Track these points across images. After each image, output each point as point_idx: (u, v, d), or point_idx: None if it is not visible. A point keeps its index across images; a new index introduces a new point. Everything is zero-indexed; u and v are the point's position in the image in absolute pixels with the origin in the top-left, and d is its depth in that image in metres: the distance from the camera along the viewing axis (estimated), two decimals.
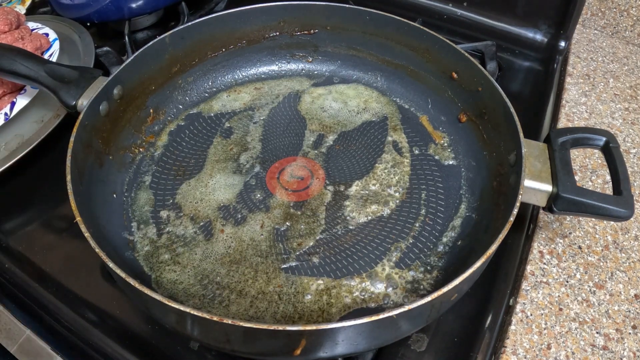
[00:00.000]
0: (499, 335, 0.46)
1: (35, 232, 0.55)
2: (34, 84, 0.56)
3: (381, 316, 0.33)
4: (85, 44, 0.71)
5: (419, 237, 0.50)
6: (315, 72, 0.68)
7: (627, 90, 0.71)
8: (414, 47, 0.61)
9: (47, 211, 0.57)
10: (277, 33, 0.66)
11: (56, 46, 0.68)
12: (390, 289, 0.46)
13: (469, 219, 0.51)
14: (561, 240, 0.53)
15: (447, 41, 0.57)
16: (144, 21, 0.82)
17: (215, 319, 0.33)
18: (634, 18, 0.78)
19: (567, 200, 0.43)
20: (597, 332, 0.46)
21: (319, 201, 0.54)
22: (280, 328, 0.33)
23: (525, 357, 0.44)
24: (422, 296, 0.35)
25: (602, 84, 0.72)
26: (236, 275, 0.47)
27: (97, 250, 0.38)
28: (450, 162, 0.57)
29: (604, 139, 0.47)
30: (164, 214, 0.52)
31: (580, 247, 0.53)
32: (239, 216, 0.52)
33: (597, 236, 0.54)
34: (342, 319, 0.44)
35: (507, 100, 0.49)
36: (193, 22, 0.61)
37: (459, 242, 0.50)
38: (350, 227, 0.51)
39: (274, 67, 0.69)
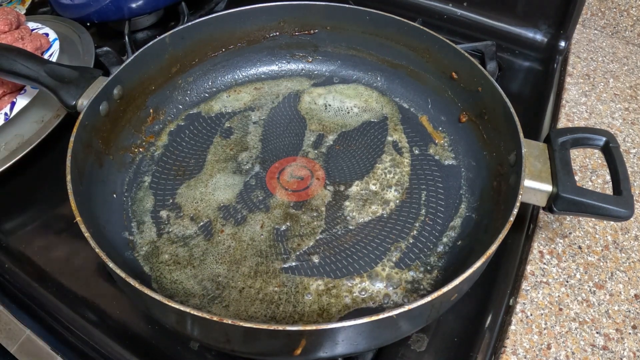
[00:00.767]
0: (499, 335, 0.46)
1: (35, 232, 0.55)
2: (34, 84, 0.56)
3: (381, 316, 0.33)
4: (85, 44, 0.71)
5: (419, 237, 0.50)
6: (315, 72, 0.68)
7: (627, 90, 0.71)
8: (414, 47, 0.61)
9: (47, 211, 0.57)
10: (277, 33, 0.66)
11: (56, 46, 0.68)
12: (390, 289, 0.46)
13: (469, 219, 0.51)
14: (561, 240, 0.53)
15: (447, 41, 0.57)
16: (144, 21, 0.82)
17: (215, 319, 0.33)
18: (634, 18, 0.78)
19: (567, 200, 0.43)
20: (597, 332, 0.46)
21: (319, 201, 0.54)
22: (280, 328, 0.33)
23: (525, 357, 0.44)
24: (422, 296, 0.35)
25: (602, 84, 0.72)
26: (236, 275, 0.47)
27: (97, 250, 0.38)
28: (450, 162, 0.57)
29: (604, 139, 0.47)
30: (164, 214, 0.52)
31: (580, 247, 0.53)
32: (239, 216, 0.52)
33: (597, 236, 0.54)
34: (342, 319, 0.44)
35: (507, 100, 0.49)
36: (193, 22, 0.61)
37: (459, 242, 0.50)
38: (350, 227, 0.51)
39: (274, 67, 0.69)
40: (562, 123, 0.65)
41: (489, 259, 0.39)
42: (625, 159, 0.46)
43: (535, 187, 0.44)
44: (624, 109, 0.68)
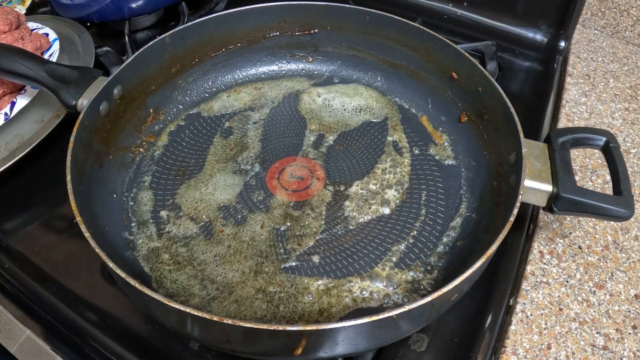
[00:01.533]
0: (499, 335, 0.46)
1: (35, 232, 0.55)
2: (34, 84, 0.56)
3: (381, 316, 0.33)
4: (85, 44, 0.71)
5: (419, 237, 0.50)
6: (315, 72, 0.68)
7: (627, 90, 0.71)
8: (414, 47, 0.61)
9: (47, 211, 0.57)
10: (277, 33, 0.66)
11: (56, 46, 0.68)
12: (390, 289, 0.46)
13: (469, 219, 0.51)
14: (561, 240, 0.53)
15: (447, 41, 0.57)
16: (144, 21, 0.82)
17: (215, 319, 0.33)
18: (634, 18, 0.78)
19: (567, 200, 0.43)
20: (597, 332, 0.46)
21: (319, 201, 0.53)
22: (280, 328, 0.33)
23: (525, 357, 0.44)
24: (422, 296, 0.35)
25: (602, 84, 0.72)
26: (236, 275, 0.47)
27: (97, 250, 0.38)
28: (450, 162, 0.57)
29: (604, 139, 0.47)
30: (164, 214, 0.52)
31: (580, 247, 0.53)
32: (239, 216, 0.52)
33: (597, 236, 0.54)
34: (342, 319, 0.44)
35: (507, 100, 0.49)
36: (193, 22, 0.61)
37: (459, 242, 0.50)
38: (350, 227, 0.51)
39: (274, 67, 0.69)
40: (562, 123, 0.65)
41: (489, 259, 0.39)
42: (625, 159, 0.46)
43: (535, 187, 0.44)
44: (624, 109, 0.68)
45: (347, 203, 0.53)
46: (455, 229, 0.51)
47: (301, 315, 0.44)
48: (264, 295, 0.46)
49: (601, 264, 0.51)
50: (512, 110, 0.48)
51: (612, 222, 0.55)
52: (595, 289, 0.49)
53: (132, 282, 0.36)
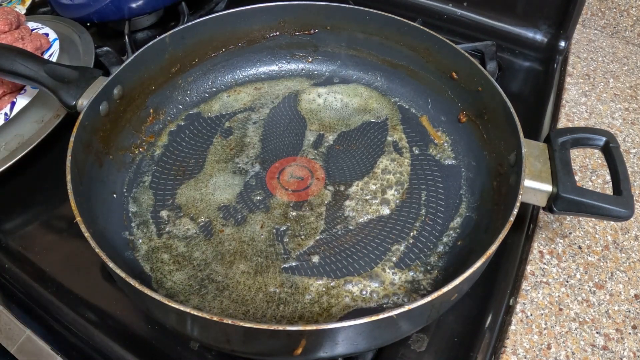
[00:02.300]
0: (499, 335, 0.46)
1: (35, 232, 0.55)
2: (34, 84, 0.56)
3: (381, 316, 0.33)
4: (85, 44, 0.71)
5: (419, 237, 0.50)
6: (315, 72, 0.68)
7: (627, 90, 0.71)
8: (414, 47, 0.61)
9: (47, 211, 0.57)
10: (277, 33, 0.66)
11: (56, 46, 0.68)
12: (390, 288, 0.46)
13: (469, 219, 0.51)
14: (561, 240, 0.53)
15: (447, 41, 0.57)
16: (144, 21, 0.82)
17: (215, 319, 0.33)
18: (634, 18, 0.78)
19: (567, 200, 0.43)
20: (597, 332, 0.46)
21: (319, 201, 0.53)
22: (280, 328, 0.33)
23: (525, 357, 0.44)
24: (422, 296, 0.35)
25: (602, 84, 0.72)
26: (236, 275, 0.47)
27: (97, 250, 0.38)
28: (450, 162, 0.57)
29: (604, 139, 0.47)
30: (164, 214, 0.52)
31: (580, 247, 0.53)
32: (239, 216, 0.52)
33: (597, 236, 0.54)
34: (342, 319, 0.44)
35: (507, 100, 0.49)
36: (193, 22, 0.61)
37: (459, 242, 0.50)
38: (350, 227, 0.51)
39: (274, 67, 0.69)
40: (562, 123, 0.65)
41: (489, 259, 0.39)
42: (625, 159, 0.46)
43: (535, 187, 0.44)
44: (624, 109, 0.68)
45: (347, 203, 0.53)
46: (455, 229, 0.51)
47: (301, 315, 0.44)
48: (264, 295, 0.46)
49: (601, 264, 0.51)
50: (512, 110, 0.48)
51: (612, 222, 0.55)
52: (595, 289, 0.49)
53: (132, 282, 0.36)
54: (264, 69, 0.68)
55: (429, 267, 0.48)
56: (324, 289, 0.46)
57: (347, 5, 0.63)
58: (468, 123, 0.58)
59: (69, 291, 0.50)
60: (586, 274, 0.51)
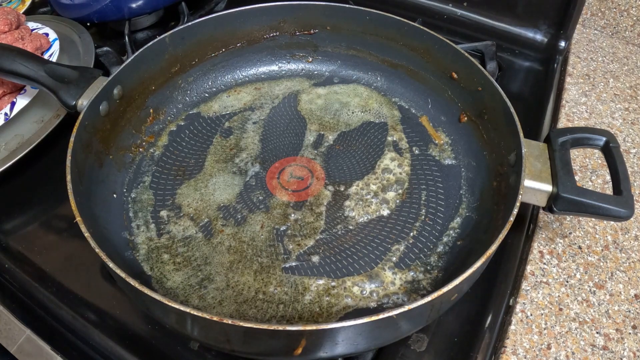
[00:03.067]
0: (499, 335, 0.46)
1: (35, 232, 0.55)
2: (34, 84, 0.56)
3: (381, 316, 0.33)
4: (85, 44, 0.71)
5: (419, 237, 0.50)
6: (315, 72, 0.68)
7: (627, 90, 0.71)
8: (414, 47, 0.61)
9: (47, 211, 0.57)
10: (277, 33, 0.66)
11: (56, 46, 0.68)
12: (390, 288, 0.46)
13: (469, 219, 0.51)
14: (561, 240, 0.53)
15: (447, 41, 0.57)
16: (144, 21, 0.82)
17: (215, 319, 0.33)
18: (634, 18, 0.78)
19: (567, 200, 0.43)
20: (597, 332, 0.46)
21: (319, 201, 0.53)
22: (280, 328, 0.33)
23: (525, 357, 0.44)
24: (422, 296, 0.35)
25: (602, 84, 0.72)
26: (236, 275, 0.47)
27: (97, 250, 0.38)
28: (450, 162, 0.57)
29: (604, 138, 0.47)
30: (164, 214, 0.52)
31: (580, 247, 0.53)
32: (239, 216, 0.52)
33: (597, 236, 0.54)
34: (342, 319, 0.44)
35: (507, 100, 0.49)
36: (193, 22, 0.61)
37: (459, 242, 0.50)
38: (350, 227, 0.51)
39: (274, 67, 0.69)
40: (562, 123, 0.65)
41: (489, 259, 0.39)
42: (625, 159, 0.46)
43: (535, 187, 0.44)
44: (624, 109, 0.68)
45: (347, 203, 0.53)
46: (455, 229, 0.51)
47: (301, 315, 0.44)
48: (264, 295, 0.46)
49: (601, 264, 0.51)
50: (512, 110, 0.48)
51: (612, 222, 0.55)
52: (595, 289, 0.49)
53: (132, 282, 0.36)
54: (264, 69, 0.68)
55: (429, 267, 0.48)
56: (324, 289, 0.46)
57: (347, 5, 0.63)
58: (468, 123, 0.58)
59: (69, 291, 0.50)
60: (586, 274, 0.51)
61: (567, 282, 0.50)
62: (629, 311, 0.48)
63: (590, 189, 0.44)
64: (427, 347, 0.45)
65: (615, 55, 0.77)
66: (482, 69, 0.53)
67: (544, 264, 0.51)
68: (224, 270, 0.48)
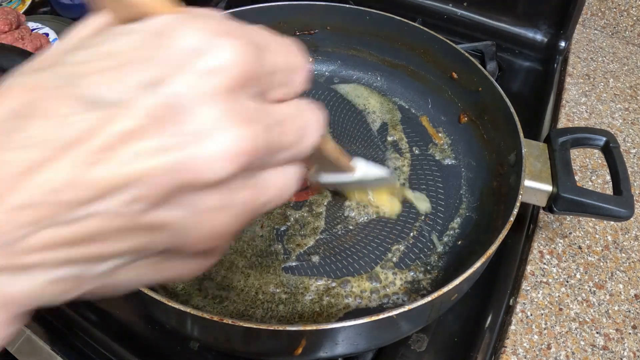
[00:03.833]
0: (499, 335, 0.46)
1: None
2: None
3: (381, 316, 0.33)
4: None
5: (419, 237, 0.50)
6: (315, 72, 0.68)
7: (627, 90, 0.71)
8: (414, 47, 0.61)
9: None
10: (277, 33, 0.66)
11: None
12: (390, 289, 0.46)
13: (469, 219, 0.51)
14: (561, 240, 0.53)
15: (447, 41, 0.57)
16: None
17: (215, 319, 0.33)
18: (634, 18, 0.78)
19: (567, 200, 0.43)
20: (597, 332, 0.46)
21: (319, 201, 0.53)
22: (280, 328, 0.33)
23: (525, 357, 0.44)
24: (422, 296, 0.35)
25: (602, 84, 0.72)
26: (236, 275, 0.47)
27: None
28: (450, 162, 0.57)
29: (604, 138, 0.47)
30: None
31: (580, 247, 0.53)
32: None
33: (597, 236, 0.54)
34: (342, 319, 0.44)
35: (507, 100, 0.49)
36: None
37: (459, 242, 0.50)
38: (350, 227, 0.51)
39: None
40: (562, 123, 0.65)
41: (489, 259, 0.39)
42: (625, 159, 0.46)
43: (535, 187, 0.45)
44: (624, 109, 0.68)
45: (347, 203, 0.53)
46: (455, 229, 0.51)
47: (301, 315, 0.44)
48: (264, 296, 0.46)
49: (601, 264, 0.51)
50: (512, 110, 0.48)
51: (612, 222, 0.55)
52: (595, 289, 0.49)
53: None
54: None
55: (429, 267, 0.48)
56: (324, 289, 0.46)
57: (347, 5, 0.63)
58: (468, 123, 0.58)
59: None
60: (586, 274, 0.51)
61: (567, 282, 0.50)
62: (629, 311, 0.48)
63: (590, 189, 0.44)
64: (427, 347, 0.45)
65: (615, 55, 0.77)
66: (482, 69, 0.53)
67: (544, 264, 0.51)
68: (224, 270, 0.48)
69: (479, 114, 0.56)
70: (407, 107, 0.64)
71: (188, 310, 0.34)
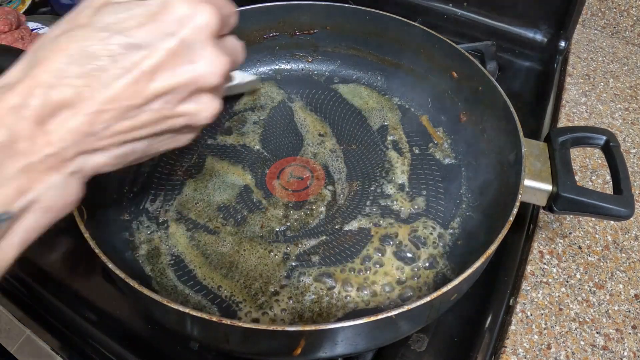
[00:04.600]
0: (499, 335, 0.46)
1: None
2: None
3: (380, 316, 0.33)
4: None
5: (418, 237, 0.50)
6: (315, 72, 0.68)
7: (627, 90, 0.71)
8: (414, 47, 0.61)
9: None
10: (277, 33, 0.66)
11: None
12: (390, 288, 0.46)
13: (469, 219, 0.51)
14: (561, 240, 0.53)
15: (447, 41, 0.57)
16: None
17: (215, 319, 0.33)
18: (634, 18, 0.78)
19: (567, 199, 0.43)
20: (597, 332, 0.46)
21: (319, 201, 0.53)
22: (280, 328, 0.33)
23: (525, 357, 0.44)
24: (422, 296, 0.35)
25: (602, 84, 0.72)
26: (236, 275, 0.47)
27: (97, 250, 0.38)
28: (451, 162, 0.57)
29: (605, 138, 0.47)
30: (163, 214, 0.52)
31: (580, 247, 0.53)
32: (239, 216, 0.52)
33: (597, 236, 0.54)
34: (341, 319, 0.44)
35: (507, 100, 0.49)
36: None
37: (459, 242, 0.50)
38: (350, 227, 0.51)
39: (274, 67, 0.69)
40: (562, 123, 0.65)
41: (489, 258, 0.39)
42: (625, 159, 0.46)
43: (535, 186, 0.44)
44: (624, 109, 0.68)
45: (347, 203, 0.53)
46: (455, 229, 0.51)
47: (301, 315, 0.44)
48: (263, 295, 0.46)
49: (601, 264, 0.51)
50: (512, 109, 0.48)
51: (612, 222, 0.55)
52: (595, 289, 0.49)
53: (132, 282, 0.36)
54: (264, 69, 0.68)
55: (428, 267, 0.48)
56: (323, 289, 0.46)
57: (347, 5, 0.63)
58: (468, 123, 0.58)
59: (69, 291, 0.50)
60: (586, 274, 0.51)
61: (567, 282, 0.50)
62: (629, 311, 0.48)
63: (590, 188, 0.44)
64: (427, 347, 0.45)
65: (615, 55, 0.77)
66: (482, 68, 0.53)
67: (544, 264, 0.51)
68: (224, 270, 0.48)
69: (479, 114, 0.56)
70: (407, 106, 0.64)
71: (188, 310, 0.34)
